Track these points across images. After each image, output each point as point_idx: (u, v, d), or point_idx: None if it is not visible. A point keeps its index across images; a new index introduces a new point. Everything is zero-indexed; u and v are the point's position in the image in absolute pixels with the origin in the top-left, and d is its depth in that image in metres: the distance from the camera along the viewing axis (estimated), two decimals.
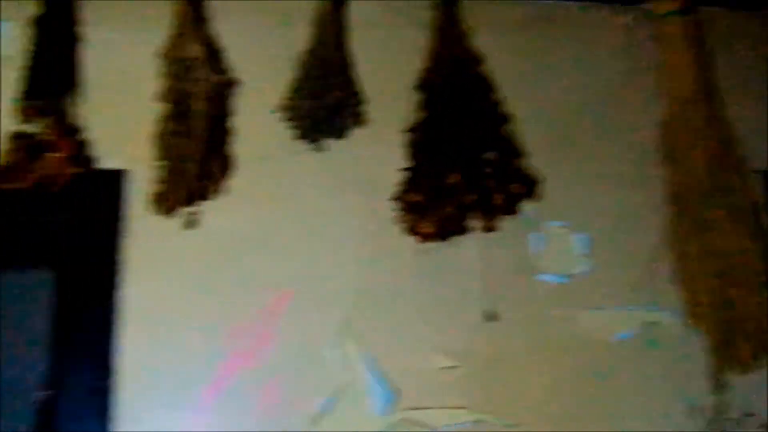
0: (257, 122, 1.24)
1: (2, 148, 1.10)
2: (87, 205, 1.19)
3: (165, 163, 1.16)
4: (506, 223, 1.23)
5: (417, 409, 1.15)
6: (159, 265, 1.17)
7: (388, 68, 1.30)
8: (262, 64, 1.28)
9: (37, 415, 1.08)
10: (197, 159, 1.14)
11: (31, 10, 1.24)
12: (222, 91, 1.19)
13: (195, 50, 1.17)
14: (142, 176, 1.19)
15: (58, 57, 1.19)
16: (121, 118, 1.22)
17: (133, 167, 1.20)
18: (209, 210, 1.19)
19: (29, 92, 1.14)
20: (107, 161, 1.20)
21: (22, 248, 1.21)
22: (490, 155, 1.21)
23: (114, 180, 1.20)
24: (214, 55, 1.21)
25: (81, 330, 1.13)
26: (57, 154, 1.09)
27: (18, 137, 1.11)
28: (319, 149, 1.24)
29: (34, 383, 1.11)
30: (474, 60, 1.27)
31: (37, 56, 1.17)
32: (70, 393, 1.10)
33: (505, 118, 1.24)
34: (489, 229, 1.21)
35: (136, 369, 1.12)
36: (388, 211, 1.22)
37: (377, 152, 1.27)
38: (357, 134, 1.26)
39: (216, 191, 1.18)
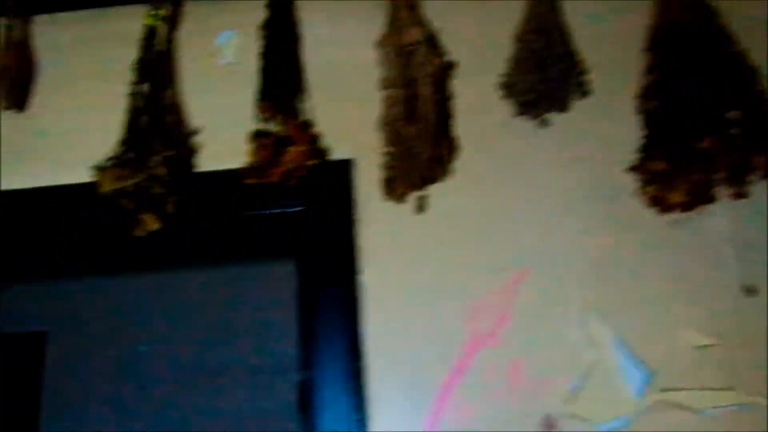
0: (477, 102, 1.24)
1: (247, 147, 1.18)
2: (320, 196, 1.25)
3: (393, 149, 1.18)
4: (758, 188, 1.13)
5: (675, 390, 1.08)
6: (393, 249, 1.20)
7: (609, 33, 1.24)
8: (476, 44, 1.27)
9: (299, 395, 1.15)
10: (426, 143, 1.15)
11: (247, 18, 1.33)
12: (443, 74, 1.19)
13: (414, 34, 1.18)
14: (370, 164, 1.23)
15: (287, 57, 1.25)
16: (345, 110, 1.27)
17: (361, 156, 1.24)
18: (439, 193, 1.20)
19: (265, 93, 1.22)
20: (336, 152, 1.26)
21: (264, 242, 1.31)
22: (736, 114, 1.11)
23: (344, 169, 1.25)
24: (431, 38, 1.22)
25: (327, 316, 1.19)
26: (298, 149, 1.15)
27: (259, 136, 1.18)
28: (543, 124, 1.21)
29: (288, 367, 1.20)
30: (707, 11, 1.17)
31: (268, 58, 1.25)
32: (324, 375, 1.16)
33: (752, 72, 1.13)
34: (740, 195, 1.11)
35: (379, 352, 1.16)
36: (622, 182, 1.17)
37: (604, 122, 1.21)
38: (581, 105, 1.22)
39: (444, 174, 1.19)
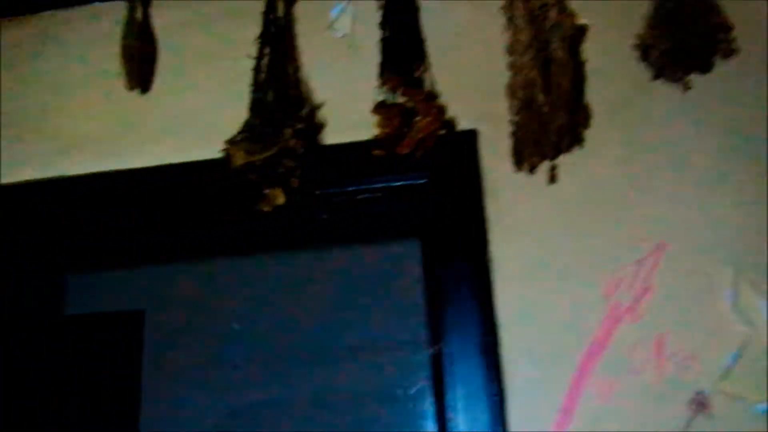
0: (610, 66, 1.18)
1: (375, 119, 1.16)
2: (444, 169, 1.22)
3: (523, 117, 1.13)
4: None
5: None
6: (524, 222, 1.16)
7: None
8: (607, 4, 1.21)
9: (432, 367, 1.14)
10: (559, 110, 1.10)
11: None
12: (576, 37, 1.14)
13: None
14: (494, 134, 1.20)
15: (407, 26, 1.23)
16: (465, 79, 1.24)
17: (487, 126, 1.21)
18: (570, 162, 1.15)
19: (388, 64, 1.19)
20: (462, 122, 1.22)
21: (387, 219, 1.29)
22: None
23: (469, 140, 1.22)
24: (560, 1, 1.17)
25: (457, 291, 1.16)
26: (426, 119, 1.13)
27: (385, 107, 1.16)
28: (683, 87, 1.14)
29: (417, 341, 1.20)
30: None
31: (388, 29, 1.22)
32: (456, 350, 1.14)
33: None
34: None
35: (512, 327, 1.13)
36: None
37: (748, 84, 1.13)
38: (723, 67, 1.14)
39: (577, 142, 1.14)
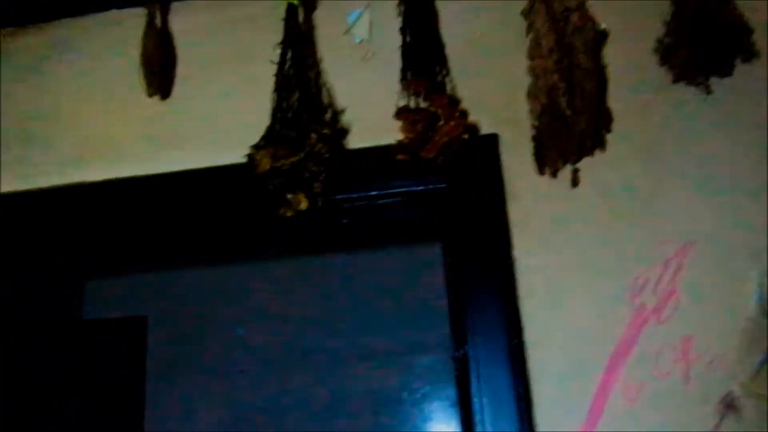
0: (630, 69, 1.19)
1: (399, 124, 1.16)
2: (466, 173, 1.22)
3: (545, 121, 1.14)
4: None
5: None
6: (547, 225, 1.16)
7: None
8: (626, 7, 1.22)
9: (457, 371, 1.14)
10: (582, 113, 1.11)
11: None
12: (598, 41, 1.15)
13: (568, 0, 1.13)
14: (517, 138, 1.20)
15: (427, 32, 1.23)
16: (489, 84, 1.24)
17: (507, 130, 1.22)
18: (592, 165, 1.16)
19: (410, 69, 1.20)
20: (482, 126, 1.23)
21: (407, 224, 1.29)
22: None
23: (490, 144, 1.22)
24: (582, 4, 1.18)
25: (481, 295, 1.16)
26: (449, 124, 1.13)
27: (407, 112, 1.17)
28: (703, 90, 1.15)
29: (435, 345, 1.20)
30: None
31: (408, 34, 1.23)
32: (481, 353, 1.14)
33: None
34: None
35: (537, 330, 1.13)
36: None
37: None
38: (744, 69, 1.15)
39: (600, 145, 1.15)
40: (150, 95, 1.33)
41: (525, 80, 1.19)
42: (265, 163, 1.09)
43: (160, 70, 1.32)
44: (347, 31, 1.34)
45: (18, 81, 1.46)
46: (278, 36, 1.29)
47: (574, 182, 1.16)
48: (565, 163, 1.15)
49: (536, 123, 1.15)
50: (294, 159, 1.08)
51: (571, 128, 1.12)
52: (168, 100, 1.36)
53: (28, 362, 1.61)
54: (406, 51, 1.21)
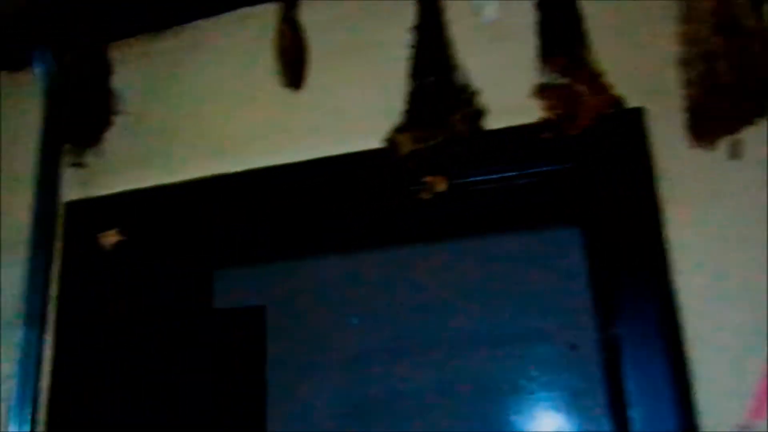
0: None
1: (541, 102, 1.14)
2: (610, 151, 1.17)
3: (699, 89, 1.07)
4: None
5: None
6: (703, 201, 1.09)
7: None
8: None
9: (604, 359, 1.10)
10: (744, 78, 1.03)
11: None
12: (759, 1, 1.07)
13: None
14: (665, 111, 1.14)
15: (564, 5, 1.19)
16: (631, 55, 1.18)
17: (653, 102, 1.15)
18: (754, 135, 1.08)
19: (549, 45, 1.17)
20: (630, 99, 1.17)
21: (548, 207, 1.26)
22: None
23: (635, 119, 1.16)
24: None
25: (630, 278, 1.11)
26: (594, 99, 1.09)
27: (548, 89, 1.14)
28: None
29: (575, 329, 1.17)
30: None
31: (546, 9, 1.20)
32: (632, 341, 1.08)
33: None
34: None
35: (696, 315, 1.07)
36: None
37: None
38: None
39: (763, 113, 1.07)
40: (284, 86, 1.37)
41: (669, 49, 1.13)
42: (406, 146, 1.09)
43: (293, 63, 1.36)
44: (477, 12, 1.32)
45: (159, 80, 1.55)
46: (404, 24, 1.29)
47: (736, 154, 1.08)
48: (724, 134, 1.07)
49: (691, 92, 1.09)
50: (435, 141, 1.07)
51: (732, 96, 1.05)
52: (301, 91, 1.41)
53: (167, 347, 1.71)
54: (543, 27, 1.18)
